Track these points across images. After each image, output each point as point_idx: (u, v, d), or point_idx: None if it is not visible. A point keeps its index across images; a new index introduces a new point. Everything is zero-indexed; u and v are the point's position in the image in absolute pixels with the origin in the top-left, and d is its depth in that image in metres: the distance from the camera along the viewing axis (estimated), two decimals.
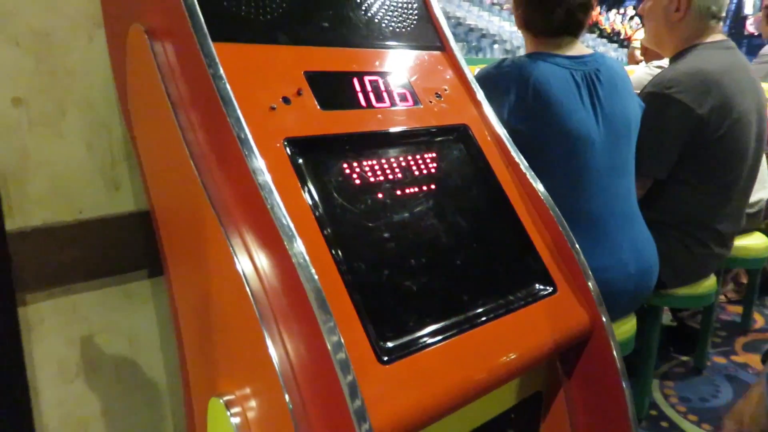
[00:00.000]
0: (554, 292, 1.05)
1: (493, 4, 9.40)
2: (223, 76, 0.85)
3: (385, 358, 0.79)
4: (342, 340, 0.73)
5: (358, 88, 1.03)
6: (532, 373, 1.09)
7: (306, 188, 0.87)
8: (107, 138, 1.18)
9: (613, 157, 1.58)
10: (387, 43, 1.13)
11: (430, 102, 1.12)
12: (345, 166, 0.94)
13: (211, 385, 0.96)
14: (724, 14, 1.96)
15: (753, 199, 2.25)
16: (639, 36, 4.06)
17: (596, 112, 1.54)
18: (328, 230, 0.85)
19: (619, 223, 1.59)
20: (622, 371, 1.05)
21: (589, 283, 1.07)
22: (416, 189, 1.00)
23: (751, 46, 11.53)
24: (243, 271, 0.80)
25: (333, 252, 0.84)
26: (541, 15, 1.59)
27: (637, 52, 3.92)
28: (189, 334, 1.05)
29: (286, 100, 0.93)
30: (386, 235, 0.92)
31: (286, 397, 0.74)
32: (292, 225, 0.78)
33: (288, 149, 0.89)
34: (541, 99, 1.47)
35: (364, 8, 1.13)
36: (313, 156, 0.92)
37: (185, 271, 1.04)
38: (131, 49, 1.02)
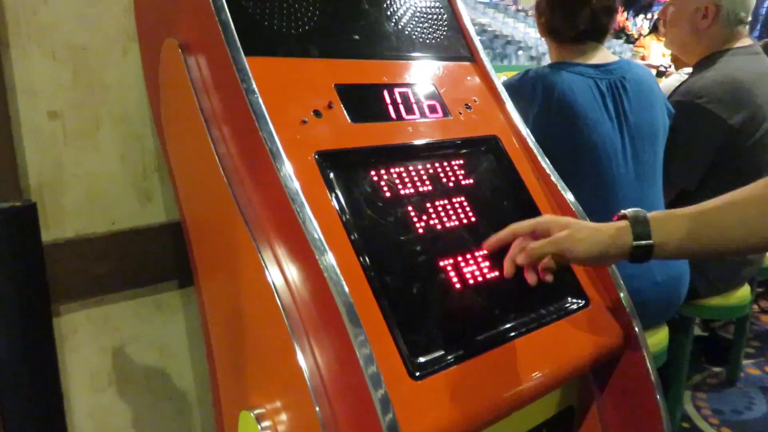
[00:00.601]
0: (587, 305, 1.03)
1: (518, 11, 9.36)
2: (256, 90, 0.86)
3: (417, 374, 0.78)
4: (373, 354, 0.73)
5: (388, 100, 1.03)
6: (564, 387, 1.07)
7: (337, 201, 0.87)
8: (140, 150, 1.20)
9: (639, 166, 1.55)
10: (417, 54, 1.13)
11: (460, 113, 1.11)
12: (375, 178, 0.94)
13: (241, 397, 0.97)
14: (750, 18, 1.92)
15: None
16: (646, 42, 3.95)
17: (621, 122, 1.52)
18: (359, 243, 0.85)
19: None
20: (657, 385, 1.02)
21: (621, 295, 1.05)
22: (446, 201, 0.99)
23: None
24: (274, 283, 0.80)
25: (363, 265, 0.83)
26: (565, 20, 1.57)
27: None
28: (219, 345, 1.05)
29: (317, 114, 0.94)
30: (417, 248, 0.91)
31: (317, 410, 0.74)
32: (323, 238, 0.78)
33: (319, 162, 0.89)
34: (564, 111, 1.46)
35: (394, 20, 1.13)
36: (344, 169, 0.92)
37: (216, 282, 1.05)
38: (165, 63, 1.03)
